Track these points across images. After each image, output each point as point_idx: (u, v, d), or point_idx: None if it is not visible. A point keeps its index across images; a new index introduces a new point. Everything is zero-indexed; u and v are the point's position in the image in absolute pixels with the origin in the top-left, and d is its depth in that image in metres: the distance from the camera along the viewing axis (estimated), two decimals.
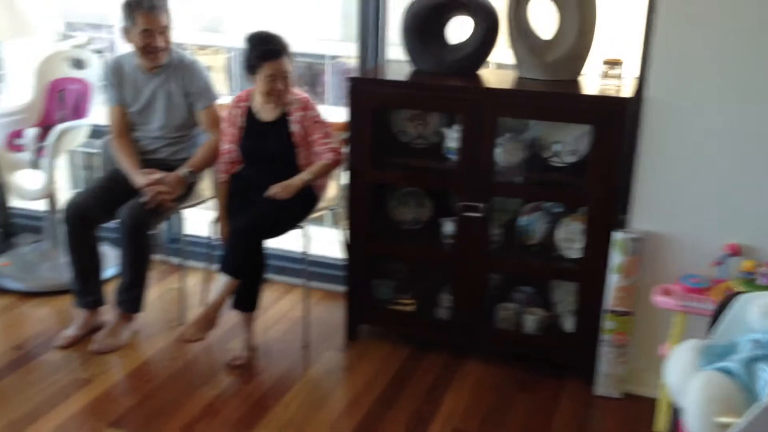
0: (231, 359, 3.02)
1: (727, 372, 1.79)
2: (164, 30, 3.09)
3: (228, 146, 3.09)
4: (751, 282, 2.53)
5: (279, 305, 3.51)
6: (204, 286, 3.38)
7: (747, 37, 2.47)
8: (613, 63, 2.85)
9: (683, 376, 1.88)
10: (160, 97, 3.20)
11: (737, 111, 2.54)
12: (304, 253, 3.14)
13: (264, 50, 2.88)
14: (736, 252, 2.60)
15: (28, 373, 2.92)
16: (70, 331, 3.14)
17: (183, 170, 3.14)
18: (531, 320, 3.07)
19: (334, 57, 6.15)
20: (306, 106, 3.01)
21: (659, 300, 2.59)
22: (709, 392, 1.75)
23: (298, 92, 3.04)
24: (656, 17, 2.56)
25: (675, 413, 2.14)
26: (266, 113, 3.03)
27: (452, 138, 2.99)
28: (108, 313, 3.23)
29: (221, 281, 2.90)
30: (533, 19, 2.92)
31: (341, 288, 3.52)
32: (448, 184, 3.03)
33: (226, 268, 2.89)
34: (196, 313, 2.95)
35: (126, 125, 3.24)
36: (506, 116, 2.89)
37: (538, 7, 2.91)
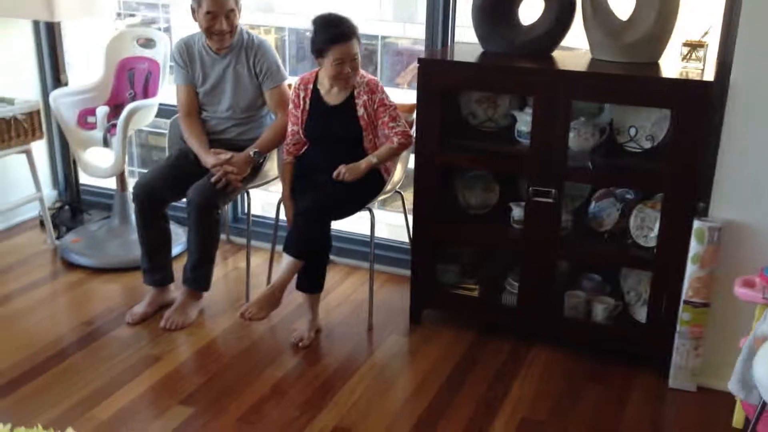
0: (296, 340, 3.02)
1: None
2: (229, 13, 3.07)
3: (293, 128, 3.08)
4: None
5: (342, 287, 3.51)
6: (268, 266, 3.39)
7: None
8: (696, 45, 2.74)
9: None
10: (229, 78, 3.20)
11: None
12: (370, 236, 3.12)
13: (333, 33, 2.84)
14: None
15: (99, 349, 2.97)
16: (139, 308, 3.19)
17: (251, 150, 3.15)
18: (600, 309, 3.00)
19: (385, 37, 6.09)
20: (373, 89, 2.98)
21: (740, 292, 2.49)
22: None
23: (366, 74, 3.01)
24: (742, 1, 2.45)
25: (762, 408, 2.07)
26: (332, 97, 3.01)
27: (524, 121, 2.92)
28: (176, 290, 3.27)
29: (285, 261, 2.90)
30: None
31: (405, 272, 3.52)
32: (519, 168, 2.98)
33: (290, 249, 2.89)
34: (259, 293, 2.95)
35: (195, 105, 3.26)
36: (581, 99, 2.81)
37: None
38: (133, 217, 3.67)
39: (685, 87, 2.60)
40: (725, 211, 2.64)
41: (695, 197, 2.66)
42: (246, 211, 3.53)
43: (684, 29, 2.86)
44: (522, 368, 2.91)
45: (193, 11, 3.10)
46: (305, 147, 3.11)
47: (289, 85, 3.21)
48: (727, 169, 2.61)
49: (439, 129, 2.91)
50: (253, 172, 3.23)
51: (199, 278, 3.16)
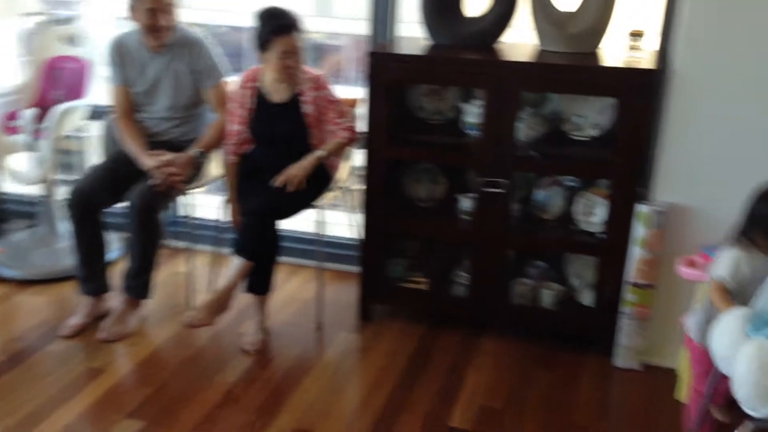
0: (246, 344, 2.94)
1: None
2: (168, 8, 2.98)
3: (237, 127, 2.99)
4: None
5: (286, 287, 3.44)
6: (211, 269, 3.30)
7: None
8: (637, 34, 2.81)
9: (732, 345, 1.87)
10: (167, 76, 3.09)
11: (761, 87, 2.52)
12: (317, 234, 3.07)
13: (277, 25, 2.78)
14: None
15: (33, 366, 2.80)
16: (75, 320, 3.04)
17: (193, 150, 3.05)
18: (548, 295, 3.05)
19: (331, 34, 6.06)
20: (319, 85, 2.92)
21: (684, 271, 2.57)
22: (762, 360, 1.73)
23: (310, 70, 2.96)
24: None
25: (713, 380, 2.14)
26: (277, 94, 2.94)
27: (471, 113, 2.93)
28: (113, 299, 3.14)
29: (234, 264, 2.82)
30: None
31: (349, 268, 3.49)
32: (468, 159, 2.98)
33: (240, 251, 2.82)
34: (206, 297, 2.86)
35: (130, 106, 3.14)
36: (530, 90, 2.85)
37: None
38: (60, 225, 3.52)
39: (631, 75, 2.65)
40: (668, 195, 2.72)
41: (640, 183, 2.73)
42: (179, 214, 3.42)
43: (625, 19, 2.93)
44: (474, 358, 2.92)
45: (132, 8, 2.98)
46: (249, 146, 3.03)
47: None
48: (669, 155, 2.68)
49: (388, 123, 2.89)
50: (195, 173, 3.13)
51: (140, 286, 3.04)
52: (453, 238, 3.18)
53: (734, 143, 2.59)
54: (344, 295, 3.36)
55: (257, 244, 2.83)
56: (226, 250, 3.17)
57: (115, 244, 3.43)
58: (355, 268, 3.50)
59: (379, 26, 3.25)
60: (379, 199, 2.99)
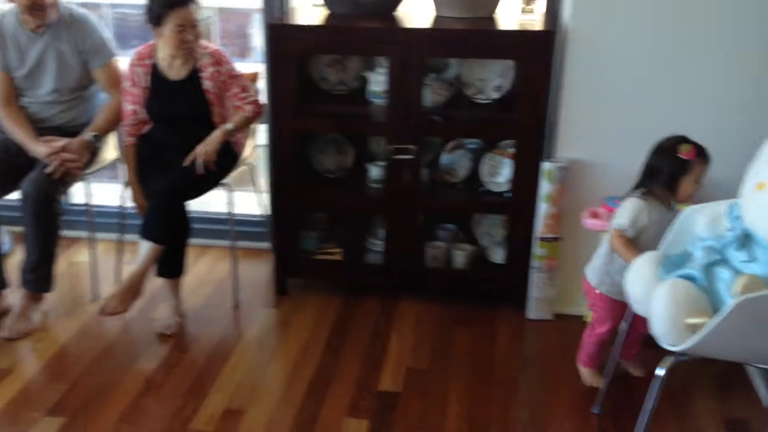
0: (162, 328, 2.87)
1: (689, 278, 1.91)
2: None
3: (132, 107, 2.88)
4: None
5: (197, 269, 3.37)
6: (115, 257, 3.17)
7: None
8: None
9: (646, 286, 1.99)
10: (50, 58, 2.92)
11: (651, 43, 2.65)
12: (229, 213, 3.01)
13: None
14: None
15: None
16: None
17: (87, 134, 2.92)
18: (460, 255, 3.13)
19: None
20: (220, 60, 2.84)
21: (589, 222, 2.71)
22: (677, 297, 1.85)
23: (208, 45, 2.87)
24: None
25: (627, 322, 2.28)
26: (174, 71, 2.84)
27: (376, 81, 2.94)
28: (11, 296, 2.97)
29: (144, 248, 2.74)
30: None
31: (261, 245, 3.47)
32: (376, 128, 2.99)
33: (149, 234, 2.73)
34: (119, 285, 2.76)
35: (12, 91, 2.95)
36: (434, 56, 2.89)
37: None
38: None
39: (528, 37, 2.73)
40: (569, 152, 2.83)
41: (543, 141, 2.83)
42: (76, 201, 3.27)
43: None
44: (395, 322, 2.97)
45: None
46: (147, 126, 2.92)
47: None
48: (568, 113, 2.79)
49: (293, 96, 2.85)
50: (91, 158, 2.99)
51: (40, 279, 2.89)
52: (365, 207, 3.20)
53: (630, 99, 2.72)
54: (257, 272, 3.33)
55: (166, 227, 2.75)
56: (129, 237, 3.07)
57: (5, 237, 3.24)
58: (265, 245, 3.49)
59: None
60: (287, 173, 2.96)
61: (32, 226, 2.80)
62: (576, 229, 2.87)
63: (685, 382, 2.59)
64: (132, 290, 2.72)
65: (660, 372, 1.91)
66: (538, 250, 2.91)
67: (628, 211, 2.28)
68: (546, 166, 2.81)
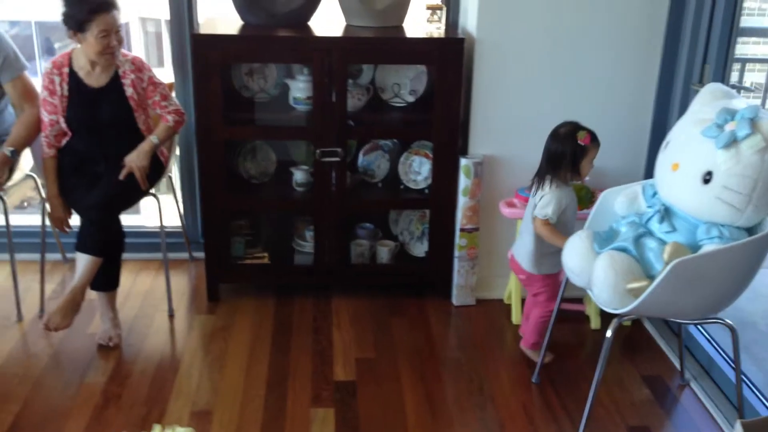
0: (104, 340, 2.85)
1: (622, 250, 2.22)
2: None
3: (51, 117, 2.85)
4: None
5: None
6: (31, 276, 3.11)
7: None
8: (435, 8, 3.15)
9: (584, 260, 2.28)
10: None
11: (549, 49, 2.98)
12: (160, 225, 3.04)
13: (95, 3, 2.67)
14: None
15: None
16: None
17: (5, 149, 2.84)
18: (384, 251, 3.34)
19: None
20: (140, 67, 2.88)
21: (506, 211, 3.00)
22: (616, 267, 2.15)
23: (127, 53, 2.90)
24: None
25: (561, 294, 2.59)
26: (95, 79, 2.83)
27: (297, 88, 3.08)
28: None
29: (82, 261, 2.72)
30: None
31: (180, 255, 3.50)
32: (301, 133, 3.13)
33: (86, 248, 2.72)
34: (60, 300, 2.73)
35: None
36: (356, 62, 3.07)
37: None
38: None
39: (442, 45, 2.98)
40: (482, 148, 3.12)
41: (458, 139, 3.09)
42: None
43: None
44: (332, 318, 3.12)
45: None
46: (66, 138, 2.90)
47: None
48: (479, 113, 3.07)
49: (218, 104, 2.93)
50: (9, 174, 2.92)
51: None
52: (292, 210, 3.32)
53: (533, 99, 3.05)
54: (180, 281, 3.36)
55: (103, 239, 2.75)
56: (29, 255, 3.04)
57: None
58: (183, 255, 3.53)
59: (181, 9, 3.26)
60: (215, 181, 3.04)
61: None
62: (492, 219, 3.17)
63: (600, 349, 2.93)
64: (74, 304, 2.71)
65: (609, 334, 2.21)
66: (460, 240, 3.17)
67: (551, 202, 2.57)
68: (463, 162, 3.07)
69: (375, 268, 3.32)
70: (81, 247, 2.72)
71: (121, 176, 2.79)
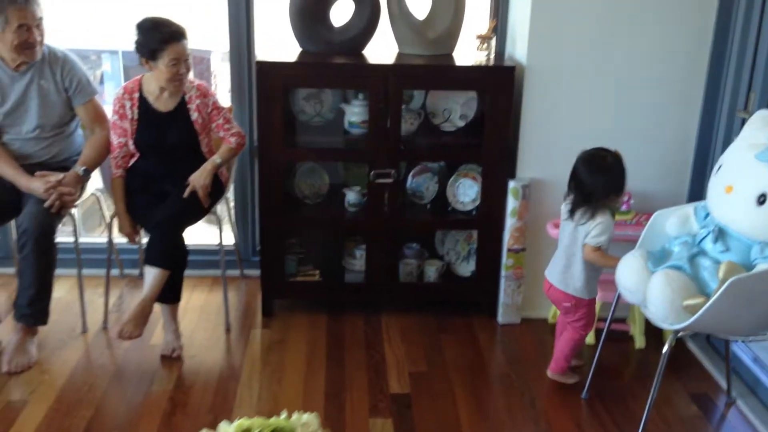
0: (167, 351, 2.97)
1: (677, 268, 2.31)
2: (40, 22, 2.89)
3: (121, 140, 3.01)
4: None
5: None
6: (91, 290, 3.24)
7: (600, 21, 3.04)
8: (486, 38, 3.29)
9: (639, 278, 2.37)
10: (33, 95, 2.98)
11: (596, 76, 3.10)
12: (220, 243, 3.17)
13: (167, 33, 2.84)
14: None
15: None
16: None
17: (79, 168, 2.99)
18: (432, 270, 3.44)
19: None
20: (205, 93, 3.04)
21: (553, 233, 3.10)
22: (672, 284, 2.25)
23: (193, 79, 3.05)
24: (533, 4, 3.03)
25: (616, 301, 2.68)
26: (163, 103, 3.00)
27: (353, 113, 3.22)
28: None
29: (152, 275, 2.85)
30: (409, 1, 3.24)
31: (233, 273, 3.64)
32: (357, 155, 3.26)
33: (156, 261, 2.85)
34: (130, 311, 2.84)
35: None
36: (412, 89, 3.21)
37: None
38: None
39: (496, 72, 3.11)
40: (529, 171, 3.23)
41: (508, 163, 3.21)
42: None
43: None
44: (383, 334, 3.22)
45: None
46: (133, 159, 3.04)
47: None
48: (527, 138, 3.19)
49: (280, 127, 3.07)
50: (80, 193, 3.07)
51: (38, 313, 2.92)
52: (345, 229, 3.44)
53: (580, 124, 3.16)
54: (231, 297, 3.51)
55: (170, 253, 2.88)
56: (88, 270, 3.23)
57: None
58: (232, 272, 3.66)
59: (240, 39, 3.43)
60: (273, 200, 3.17)
61: (33, 261, 2.82)
62: (537, 240, 3.27)
63: (646, 367, 3.02)
64: (144, 315, 2.83)
65: (665, 349, 2.31)
66: (507, 260, 3.27)
67: (606, 231, 2.63)
68: (511, 184, 3.18)
69: (423, 286, 3.42)
70: (150, 260, 2.85)
71: (185, 194, 2.92)
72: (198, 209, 3.00)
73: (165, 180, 3.01)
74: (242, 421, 1.34)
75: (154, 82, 2.97)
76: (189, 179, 2.97)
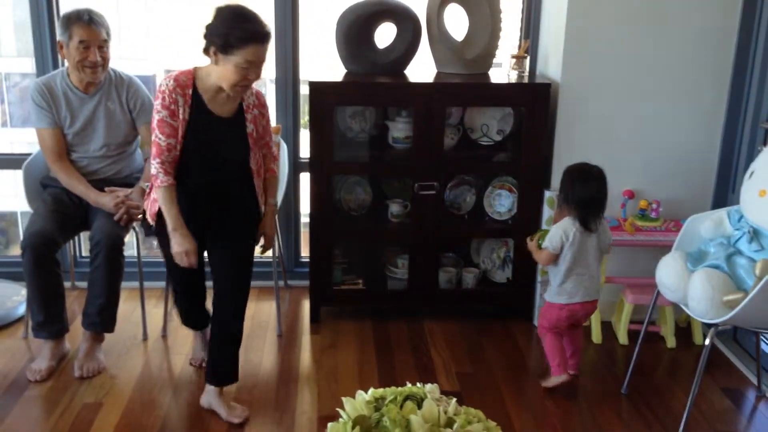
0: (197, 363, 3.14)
1: (716, 267, 2.50)
2: (103, 44, 3.07)
3: (168, 141, 2.52)
4: (646, 217, 3.35)
5: None
6: (152, 301, 3.42)
7: (628, 40, 3.25)
8: (520, 57, 3.50)
9: (679, 277, 2.57)
10: (101, 116, 3.16)
11: (625, 92, 3.31)
12: (278, 256, 3.36)
13: (252, 31, 2.42)
14: (631, 195, 3.40)
15: (27, 411, 2.77)
16: (42, 363, 3.01)
17: (143, 184, 3.17)
18: (470, 278, 3.62)
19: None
20: (263, 103, 2.72)
21: None
22: (712, 282, 2.44)
23: (252, 86, 2.65)
24: (568, 20, 3.23)
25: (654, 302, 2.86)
26: (219, 106, 2.57)
27: (397, 129, 3.42)
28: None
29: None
30: (448, 24, 3.46)
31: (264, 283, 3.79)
32: (401, 169, 3.46)
33: (219, 383, 2.79)
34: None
35: (64, 147, 3.15)
36: (454, 105, 3.40)
37: (450, 14, 3.45)
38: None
39: (533, 89, 3.32)
40: None
41: (543, 174, 3.41)
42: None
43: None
44: (427, 338, 3.40)
45: (61, 46, 3.04)
46: (176, 165, 2.59)
47: None
48: (561, 150, 3.39)
49: (330, 143, 3.26)
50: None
51: (106, 320, 3.08)
52: (388, 239, 3.63)
53: (610, 138, 3.36)
54: (272, 307, 3.65)
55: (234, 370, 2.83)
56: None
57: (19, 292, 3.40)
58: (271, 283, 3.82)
59: (287, 63, 3.65)
60: (322, 212, 3.36)
61: (105, 271, 3.00)
62: None
63: (679, 365, 3.20)
64: None
65: (707, 342, 2.49)
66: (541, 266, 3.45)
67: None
68: (547, 194, 3.37)
69: (461, 292, 3.60)
70: (212, 381, 2.80)
71: (262, 251, 2.84)
72: (252, 250, 2.80)
73: (211, 202, 2.65)
74: (376, 390, 1.51)
75: (212, 78, 2.52)
76: (263, 229, 2.77)
